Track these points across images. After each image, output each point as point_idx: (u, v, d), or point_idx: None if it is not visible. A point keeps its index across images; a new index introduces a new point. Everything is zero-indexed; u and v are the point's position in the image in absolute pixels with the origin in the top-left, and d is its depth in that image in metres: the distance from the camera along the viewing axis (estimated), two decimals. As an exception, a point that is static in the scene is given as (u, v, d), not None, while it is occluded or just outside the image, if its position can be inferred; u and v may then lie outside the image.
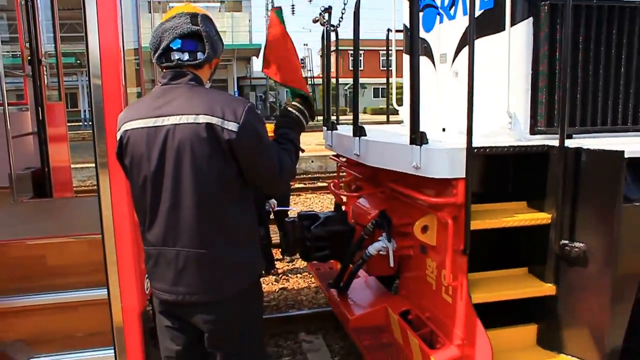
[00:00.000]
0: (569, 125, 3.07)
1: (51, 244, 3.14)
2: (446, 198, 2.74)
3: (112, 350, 2.67)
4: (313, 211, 3.75)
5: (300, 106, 2.47)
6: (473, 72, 2.54)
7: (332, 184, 4.14)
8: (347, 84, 41.04)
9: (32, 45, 5.37)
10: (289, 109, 2.45)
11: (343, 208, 4.16)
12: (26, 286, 3.01)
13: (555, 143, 2.78)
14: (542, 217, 2.85)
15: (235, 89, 30.57)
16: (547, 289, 2.91)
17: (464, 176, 2.65)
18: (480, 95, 3.28)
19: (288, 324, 4.74)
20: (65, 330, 2.97)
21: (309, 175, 13.86)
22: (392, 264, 3.29)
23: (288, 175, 2.24)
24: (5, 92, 4.59)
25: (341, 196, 3.98)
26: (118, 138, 2.14)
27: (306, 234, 3.55)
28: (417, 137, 2.74)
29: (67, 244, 3.14)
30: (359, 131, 3.35)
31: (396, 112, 4.58)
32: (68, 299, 2.95)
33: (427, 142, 2.75)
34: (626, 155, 2.58)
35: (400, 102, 4.47)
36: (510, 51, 3.03)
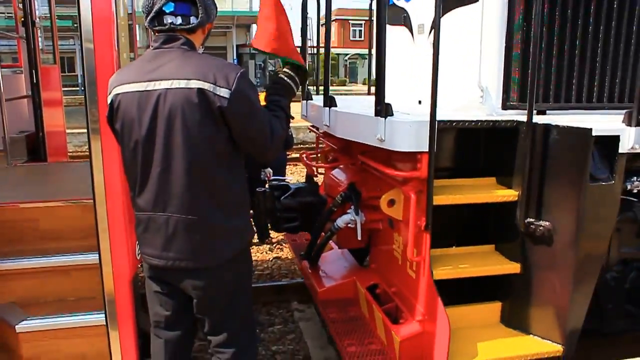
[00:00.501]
0: (543, 101, 3.01)
1: (44, 208, 3.15)
2: (410, 172, 2.69)
3: (103, 315, 2.68)
4: (285, 182, 3.71)
5: (291, 73, 2.41)
6: (439, 42, 2.46)
7: (303, 155, 4.08)
8: (347, 54, 40.54)
9: (25, 7, 5.29)
10: (280, 75, 2.40)
11: (321, 180, 4.11)
12: (19, 249, 3.04)
13: (524, 119, 2.71)
14: (508, 194, 2.79)
15: (235, 57, 30.20)
16: (512, 267, 2.87)
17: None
18: (453, 68, 3.21)
19: (281, 293, 4.77)
20: (57, 293, 3.01)
21: (306, 146, 13.77)
22: (359, 237, 3.26)
23: (279, 142, 2.21)
24: (-1, 55, 4.58)
25: (313, 167, 3.93)
26: (109, 102, 2.12)
27: (276, 205, 3.51)
28: (382, 109, 2.67)
29: (61, 208, 3.15)
30: (329, 101, 3.28)
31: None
32: (60, 262, 2.97)
33: (392, 114, 2.68)
34: (594, 133, 2.51)
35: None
36: (484, 23, 2.94)
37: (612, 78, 3.04)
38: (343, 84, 34.60)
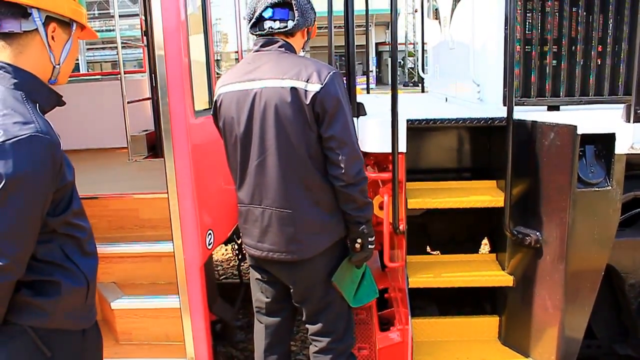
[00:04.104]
0: (552, 96, 2.68)
1: (144, 199, 3.43)
2: (379, 173, 2.58)
3: (178, 299, 2.84)
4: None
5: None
6: (396, 33, 2.32)
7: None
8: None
9: (147, 18, 5.86)
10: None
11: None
12: (121, 235, 3.35)
13: (531, 116, 2.44)
14: (492, 200, 2.54)
15: (374, 55, 30.35)
16: (504, 279, 2.62)
17: (400, 150, 2.47)
18: (459, 63, 3.00)
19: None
20: (151, 277, 3.28)
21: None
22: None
23: (356, 166, 2.05)
24: (122, 62, 5.11)
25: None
26: (214, 101, 2.30)
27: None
28: (354, 109, 2.59)
29: (157, 199, 3.34)
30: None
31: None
32: (153, 249, 3.19)
33: (364, 114, 2.59)
34: (580, 131, 2.20)
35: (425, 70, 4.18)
36: (480, 13, 2.69)
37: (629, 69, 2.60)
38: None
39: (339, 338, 2.30)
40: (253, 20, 2.15)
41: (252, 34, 2.21)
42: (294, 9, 2.11)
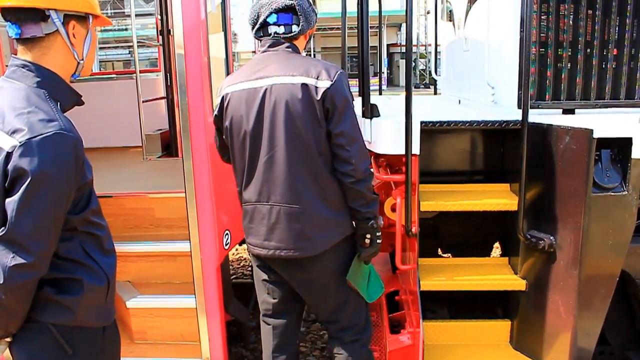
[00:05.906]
0: (567, 99, 2.66)
1: (160, 199, 3.43)
2: (395, 175, 2.57)
3: (194, 298, 2.87)
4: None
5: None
6: (411, 34, 2.31)
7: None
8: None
9: (162, 18, 5.88)
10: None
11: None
12: (136, 234, 3.37)
13: (546, 119, 2.42)
14: (505, 203, 2.52)
15: (385, 57, 30.30)
16: (516, 283, 2.59)
17: (414, 152, 2.46)
18: (473, 65, 2.98)
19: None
20: (166, 276, 3.28)
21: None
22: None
23: (363, 159, 2.09)
24: (137, 61, 5.14)
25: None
26: (219, 101, 2.29)
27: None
28: (367, 110, 2.58)
29: (173, 199, 3.35)
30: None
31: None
32: (168, 249, 3.22)
33: (377, 115, 2.58)
34: (596, 135, 2.18)
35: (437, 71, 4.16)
36: (495, 15, 2.67)
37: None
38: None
39: (361, 329, 2.35)
40: (257, 25, 2.18)
41: (256, 39, 2.25)
42: (298, 13, 2.14)
